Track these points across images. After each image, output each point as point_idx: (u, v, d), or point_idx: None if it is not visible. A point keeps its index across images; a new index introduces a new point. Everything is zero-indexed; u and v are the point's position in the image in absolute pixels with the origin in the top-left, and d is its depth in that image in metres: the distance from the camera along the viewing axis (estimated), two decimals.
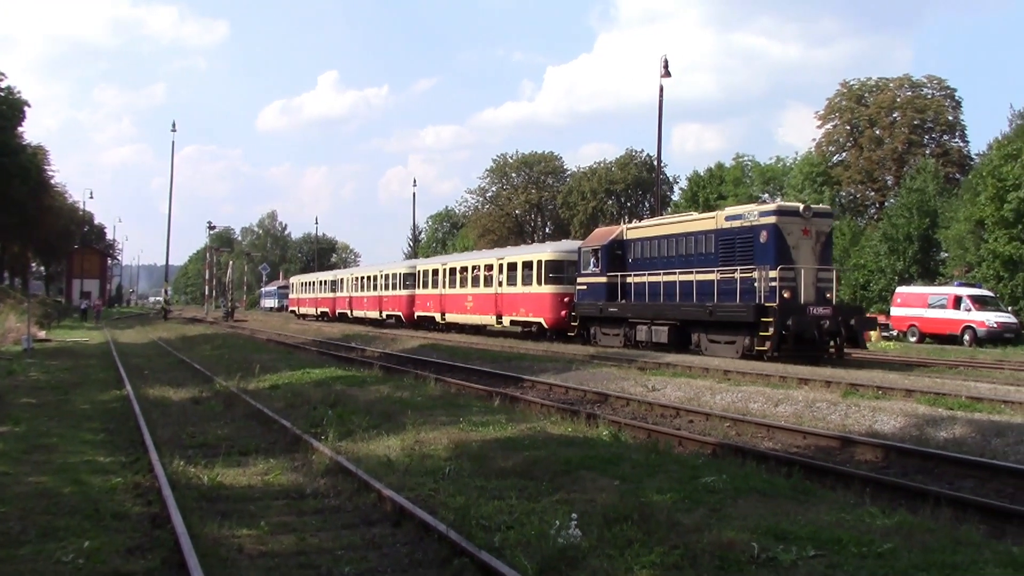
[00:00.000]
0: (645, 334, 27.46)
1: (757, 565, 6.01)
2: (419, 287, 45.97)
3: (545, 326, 33.71)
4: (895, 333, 38.01)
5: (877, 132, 61.91)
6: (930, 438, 12.20)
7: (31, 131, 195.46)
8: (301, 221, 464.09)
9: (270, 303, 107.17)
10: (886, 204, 58.07)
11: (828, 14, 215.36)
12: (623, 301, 28.81)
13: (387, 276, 50.72)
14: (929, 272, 47.69)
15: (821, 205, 29.26)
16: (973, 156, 59.68)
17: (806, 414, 14.43)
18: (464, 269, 40.99)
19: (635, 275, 28.44)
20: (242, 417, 14.26)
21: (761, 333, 22.62)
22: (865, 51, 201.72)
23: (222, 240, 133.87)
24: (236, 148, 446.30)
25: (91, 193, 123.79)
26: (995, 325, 34.38)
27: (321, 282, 66.77)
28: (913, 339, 36.51)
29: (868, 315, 28.69)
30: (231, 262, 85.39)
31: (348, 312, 57.46)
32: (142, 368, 23.39)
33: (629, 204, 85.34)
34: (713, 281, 24.72)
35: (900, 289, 39.92)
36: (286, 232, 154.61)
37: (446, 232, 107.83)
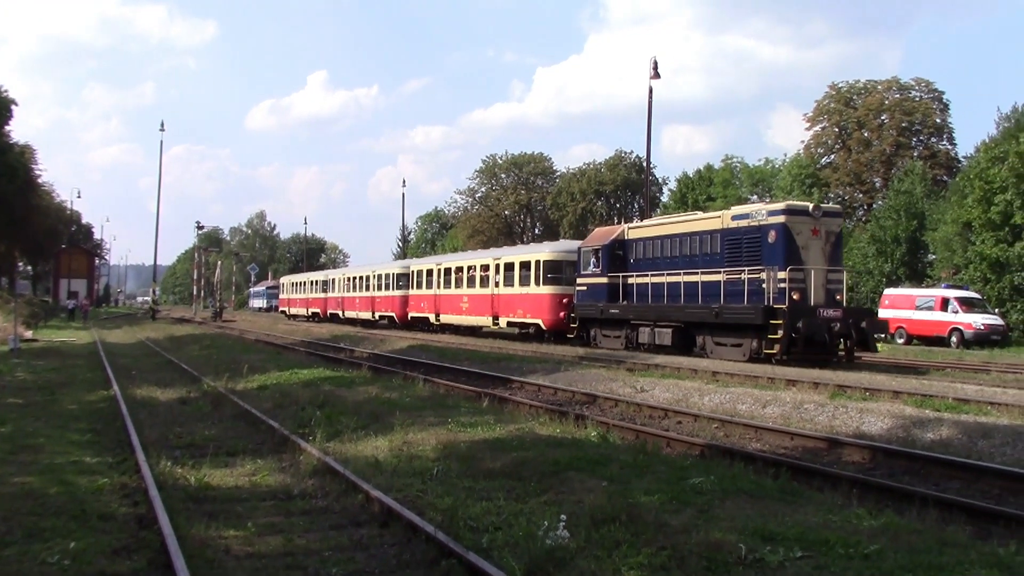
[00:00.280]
0: (648, 336, 26.86)
1: (744, 566, 6.02)
2: (413, 287, 45.40)
3: (543, 327, 33.21)
4: (883, 335, 38.11)
5: (865, 134, 62.21)
6: (917, 439, 12.25)
7: (19, 130, 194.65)
8: (290, 221, 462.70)
9: (259, 303, 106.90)
10: (874, 206, 58.31)
11: (817, 17, 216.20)
12: (625, 302, 28.18)
13: (380, 276, 50.13)
14: (917, 274, 47.90)
15: (831, 204, 28.48)
16: (961, 159, 60.09)
17: (794, 415, 14.46)
18: (460, 269, 40.36)
19: (637, 276, 27.81)
20: (230, 417, 14.22)
21: (770, 336, 22.04)
22: (854, 54, 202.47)
23: (211, 240, 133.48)
24: (225, 148, 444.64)
25: (79, 192, 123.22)
26: (982, 327, 34.54)
27: (312, 282, 66.09)
28: (900, 341, 36.64)
29: None
30: (219, 262, 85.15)
31: (340, 313, 56.86)
32: (129, 368, 23.31)
33: (618, 205, 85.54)
34: (719, 282, 24.13)
35: (888, 291, 40.04)
36: (275, 232, 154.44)
37: (435, 233, 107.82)
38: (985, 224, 39.81)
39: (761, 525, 6.90)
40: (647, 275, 27.25)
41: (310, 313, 64.28)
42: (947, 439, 12.08)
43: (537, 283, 33.42)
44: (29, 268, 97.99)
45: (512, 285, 35.15)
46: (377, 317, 50.19)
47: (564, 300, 32.03)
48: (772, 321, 22.00)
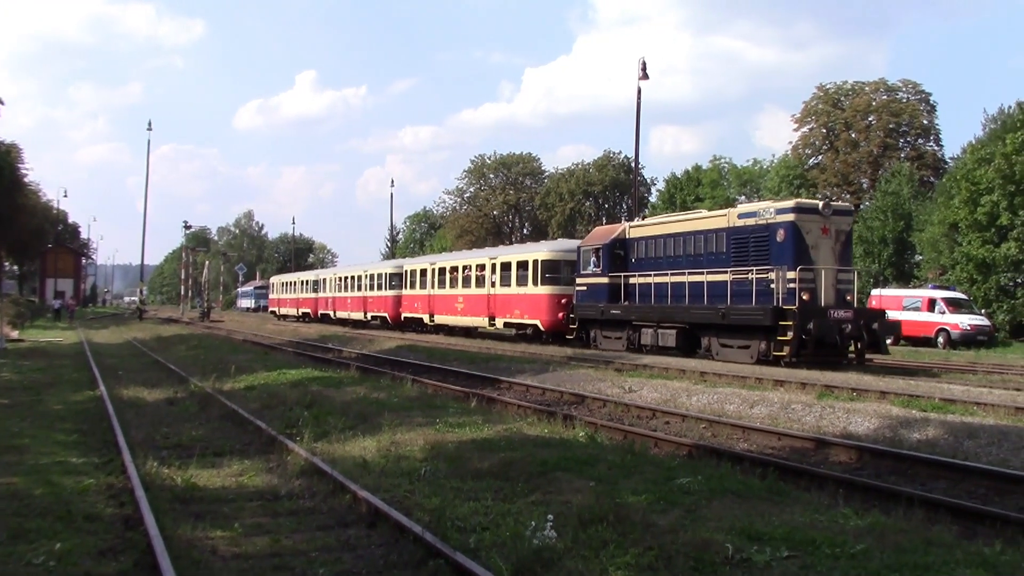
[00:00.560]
0: (651, 337, 26.14)
1: (731, 566, 6.03)
2: (406, 287, 44.61)
3: (541, 328, 32.51)
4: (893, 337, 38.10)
5: (853, 135, 62.50)
6: (903, 439, 12.29)
7: (4, 129, 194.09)
8: (278, 221, 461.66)
9: (246, 303, 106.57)
10: (861, 207, 58.53)
11: (804, 18, 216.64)
12: (626, 303, 27.49)
13: (372, 276, 49.38)
14: (904, 275, 48.13)
15: (841, 202, 27.90)
16: (947, 160, 60.48)
17: (781, 416, 14.50)
18: (455, 269, 39.60)
19: (640, 275, 27.13)
20: (217, 418, 14.19)
21: (779, 337, 21.49)
22: (841, 55, 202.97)
23: (198, 240, 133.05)
24: (213, 147, 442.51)
25: (65, 192, 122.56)
26: (968, 327, 34.69)
27: (303, 282, 65.22)
28: (888, 341, 36.70)
29: None
30: (207, 262, 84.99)
31: (331, 313, 56.11)
32: (116, 368, 23.22)
33: (607, 206, 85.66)
34: (726, 282, 23.49)
35: (875, 291, 40.17)
36: (263, 232, 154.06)
37: (424, 233, 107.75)
38: (971, 225, 40.02)
39: (748, 525, 6.92)
40: (650, 275, 26.66)
41: (300, 313, 63.53)
42: (933, 439, 12.13)
43: (535, 283, 32.77)
44: (15, 268, 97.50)
45: (509, 285, 34.50)
46: (369, 318, 49.51)
47: (563, 300, 31.46)
48: (781, 322, 21.48)
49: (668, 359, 23.73)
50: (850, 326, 21.72)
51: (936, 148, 62.79)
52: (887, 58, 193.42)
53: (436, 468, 9.35)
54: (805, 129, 66.12)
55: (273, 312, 72.40)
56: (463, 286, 38.41)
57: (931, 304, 35.74)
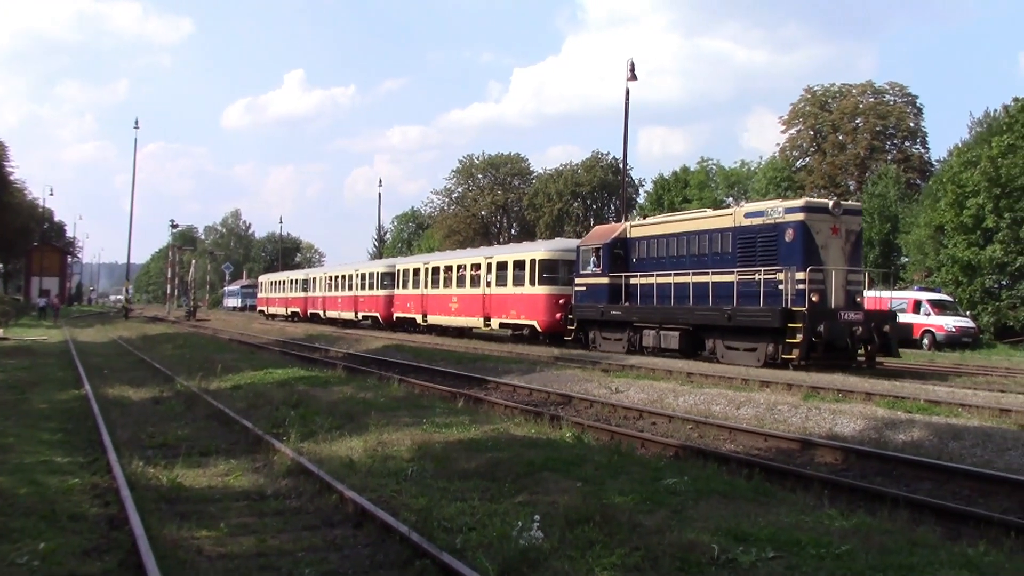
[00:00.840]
0: (653, 339, 25.46)
1: (717, 566, 6.05)
2: (399, 287, 43.98)
3: (539, 329, 31.98)
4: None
5: (840, 137, 62.71)
6: (889, 441, 12.34)
7: None
8: (265, 220, 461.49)
9: (233, 302, 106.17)
10: None
11: (792, 21, 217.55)
12: (627, 304, 26.87)
13: (363, 275, 48.67)
14: (888, 276, 48.30)
15: (851, 202, 27.19)
16: (934, 162, 60.83)
17: (767, 416, 14.54)
18: (448, 268, 39.06)
19: (642, 276, 26.50)
20: (203, 417, 14.13)
21: (788, 340, 20.98)
22: (829, 57, 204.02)
23: (185, 239, 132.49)
24: (200, 146, 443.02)
25: (51, 190, 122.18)
26: (953, 329, 34.81)
27: (292, 281, 64.34)
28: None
29: None
30: (194, 261, 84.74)
31: (321, 313, 55.34)
32: (101, 367, 23.11)
33: (595, 206, 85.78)
34: (732, 283, 22.89)
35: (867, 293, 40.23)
36: (250, 231, 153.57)
37: (412, 232, 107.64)
38: (957, 227, 40.20)
39: (734, 525, 6.94)
40: (652, 275, 26.04)
41: (289, 313, 62.72)
42: (918, 440, 12.18)
43: (532, 283, 32.24)
44: (0, 266, 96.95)
45: (505, 285, 34.00)
46: (360, 317, 48.88)
47: (560, 301, 30.93)
48: (790, 324, 20.98)
49: (655, 360, 23.74)
50: (861, 328, 21.31)
51: (922, 150, 63.13)
52: (875, 61, 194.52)
53: (423, 468, 9.34)
54: (792, 131, 66.32)
55: (262, 311, 71.74)
56: (457, 286, 37.88)
57: (916, 306, 35.88)
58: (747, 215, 23.33)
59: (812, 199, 24.65)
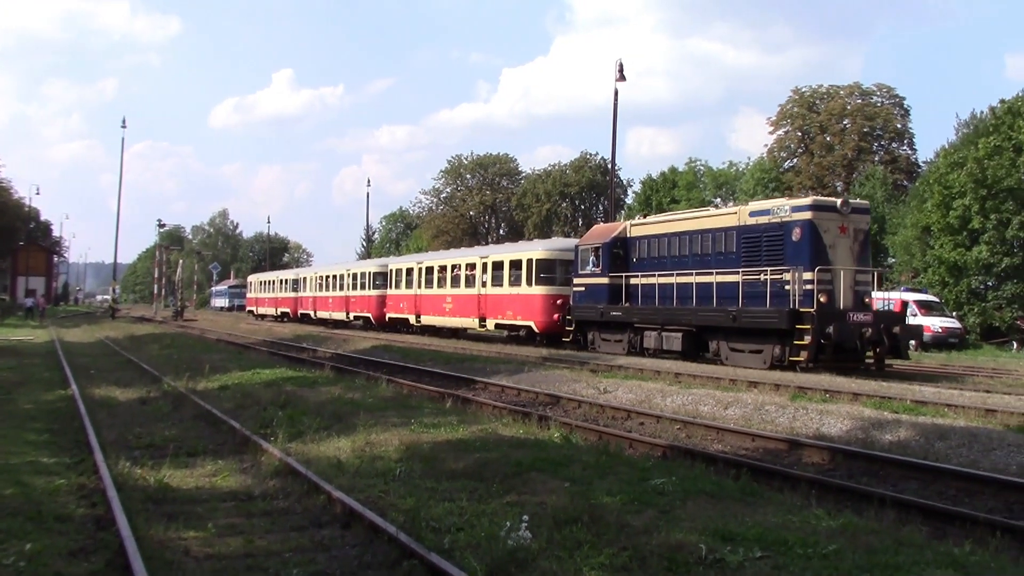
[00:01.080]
0: (654, 341, 24.86)
1: (705, 566, 6.06)
2: (391, 287, 43.25)
3: (536, 330, 31.35)
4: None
5: (828, 138, 62.97)
6: (875, 441, 12.38)
7: None
8: (253, 220, 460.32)
9: (220, 303, 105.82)
10: None
11: (781, 22, 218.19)
12: (628, 304, 26.35)
13: (355, 275, 47.89)
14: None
15: (859, 200, 26.85)
16: (920, 164, 61.10)
17: (755, 417, 14.57)
18: (443, 268, 38.33)
19: (643, 276, 25.95)
20: (190, 418, 14.10)
21: (796, 342, 20.49)
22: (817, 59, 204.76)
23: (172, 238, 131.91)
24: (188, 145, 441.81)
25: (37, 189, 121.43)
26: (940, 330, 34.96)
27: (282, 281, 63.48)
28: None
29: None
30: (181, 261, 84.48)
31: (312, 313, 54.55)
32: (88, 367, 23.01)
33: (583, 207, 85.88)
34: (737, 283, 22.38)
35: None
36: (238, 231, 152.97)
37: (400, 233, 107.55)
38: (944, 228, 40.37)
39: (722, 526, 6.95)
40: (654, 275, 25.48)
41: (279, 313, 61.92)
42: (905, 441, 12.23)
43: (529, 283, 31.58)
44: None
45: (501, 285, 33.39)
46: (352, 318, 48.19)
47: (558, 301, 30.31)
48: (798, 326, 20.50)
49: (643, 360, 23.76)
50: (870, 330, 20.80)
51: (909, 152, 63.47)
52: (862, 62, 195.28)
53: (411, 468, 9.34)
54: (780, 132, 66.56)
55: (251, 312, 71.05)
56: (452, 286, 37.28)
57: (903, 307, 36.01)
58: (752, 214, 22.84)
59: (820, 197, 24.08)
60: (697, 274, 23.75)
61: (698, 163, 71.50)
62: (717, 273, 23.10)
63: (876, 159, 61.19)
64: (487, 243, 62.37)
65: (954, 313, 38.24)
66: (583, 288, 28.55)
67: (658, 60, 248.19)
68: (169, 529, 7.33)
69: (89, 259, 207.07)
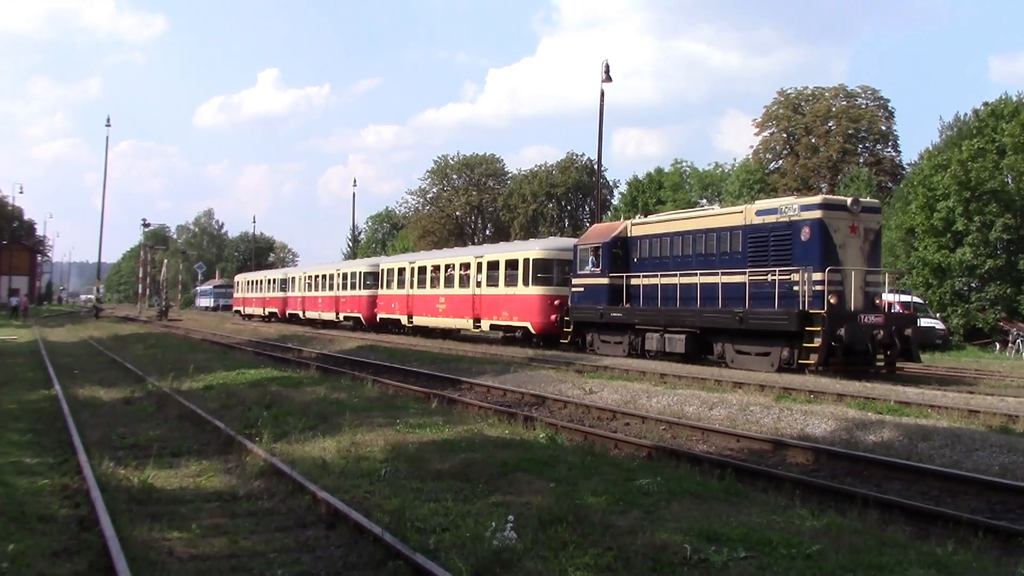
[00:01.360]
0: (656, 343, 24.32)
1: (689, 566, 6.08)
2: (383, 287, 42.57)
3: (532, 331, 30.74)
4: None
5: (813, 140, 63.19)
6: (859, 441, 12.43)
7: None
8: (239, 220, 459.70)
9: (205, 302, 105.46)
10: None
11: (767, 24, 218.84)
12: (628, 305, 25.74)
13: (345, 275, 47.32)
14: None
15: (870, 199, 26.46)
16: (905, 165, 61.38)
17: (740, 417, 14.62)
18: (436, 268, 37.61)
19: (644, 276, 25.36)
20: (175, 418, 14.04)
21: (805, 344, 20.01)
22: (802, 61, 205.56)
23: (157, 238, 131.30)
24: (173, 144, 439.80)
25: (21, 188, 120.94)
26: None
27: (270, 281, 62.71)
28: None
29: None
30: (166, 260, 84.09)
31: (300, 313, 53.87)
32: (72, 367, 22.90)
33: (569, 208, 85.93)
34: (743, 284, 21.82)
35: None
36: (223, 231, 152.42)
37: (386, 233, 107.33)
38: (928, 230, 40.59)
39: (706, 526, 6.97)
40: (655, 275, 24.82)
41: (267, 313, 61.19)
42: (888, 441, 12.28)
43: (525, 283, 30.93)
44: None
45: (496, 285, 32.70)
46: (342, 318, 47.55)
47: (556, 302, 29.80)
48: (808, 328, 19.99)
49: (629, 361, 23.80)
50: (882, 332, 20.25)
51: (894, 154, 63.73)
52: (847, 64, 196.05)
53: (396, 469, 9.33)
54: (766, 133, 66.76)
55: (238, 311, 70.44)
56: (445, 286, 36.63)
57: (888, 308, 36.14)
58: (759, 212, 22.23)
59: (830, 196, 23.66)
60: (701, 274, 23.18)
61: (684, 164, 71.69)
62: (722, 273, 22.54)
63: (861, 161, 61.42)
64: (473, 244, 62.21)
65: (938, 314, 38.42)
66: (582, 289, 28.02)
67: (644, 61, 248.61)
68: (153, 529, 7.30)
69: (73, 258, 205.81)
